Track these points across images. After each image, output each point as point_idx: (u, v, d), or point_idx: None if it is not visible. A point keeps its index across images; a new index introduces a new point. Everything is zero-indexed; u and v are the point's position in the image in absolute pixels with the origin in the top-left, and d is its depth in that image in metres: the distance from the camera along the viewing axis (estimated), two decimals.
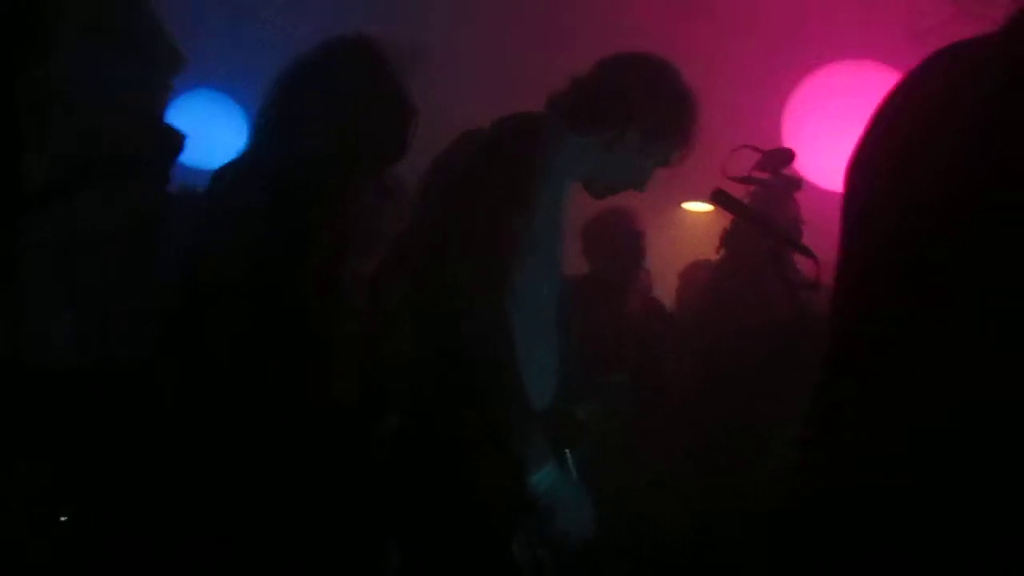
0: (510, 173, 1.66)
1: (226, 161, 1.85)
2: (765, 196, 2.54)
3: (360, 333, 1.88)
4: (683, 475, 1.95)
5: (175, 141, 1.81)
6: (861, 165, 1.17)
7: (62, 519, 1.59)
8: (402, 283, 1.90)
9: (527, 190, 1.64)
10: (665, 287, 3.41)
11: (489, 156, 1.71)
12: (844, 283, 1.15)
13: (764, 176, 2.57)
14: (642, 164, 1.88)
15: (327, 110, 1.76)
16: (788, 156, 2.58)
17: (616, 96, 1.83)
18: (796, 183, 2.59)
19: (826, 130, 3.45)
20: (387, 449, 1.76)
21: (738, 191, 2.58)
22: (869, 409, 0.99)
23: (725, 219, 2.72)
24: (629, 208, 2.81)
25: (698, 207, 4.34)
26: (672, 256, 3.60)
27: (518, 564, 1.62)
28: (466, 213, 1.67)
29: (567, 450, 1.71)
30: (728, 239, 2.58)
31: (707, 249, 3.02)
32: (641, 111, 1.83)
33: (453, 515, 1.65)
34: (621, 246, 2.74)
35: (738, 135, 2.79)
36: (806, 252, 2.06)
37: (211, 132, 3.03)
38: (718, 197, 2.17)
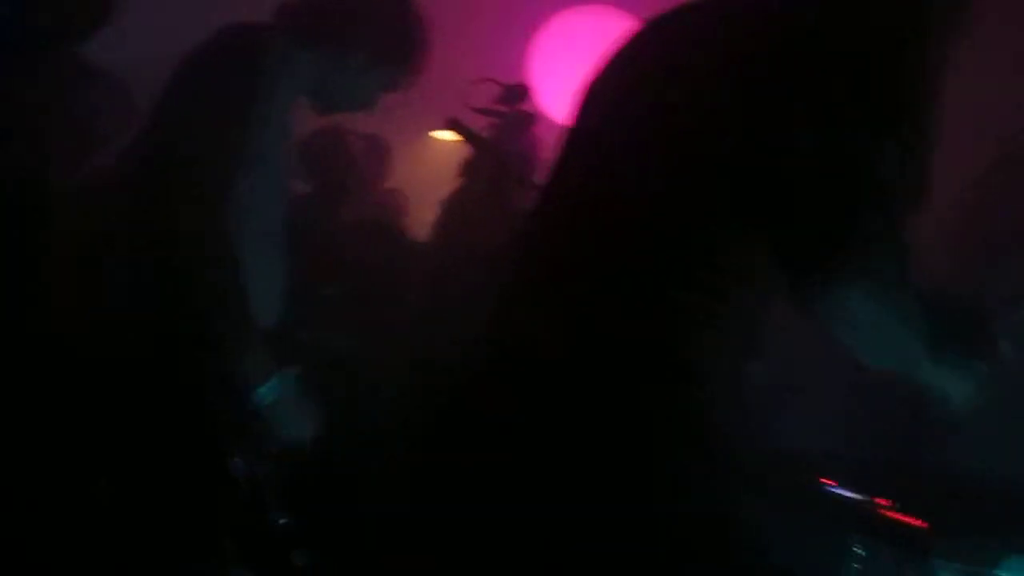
0: (232, 82, 1.65)
1: None
2: (503, 128, 2.64)
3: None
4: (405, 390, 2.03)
5: None
6: (586, 101, 1.27)
7: None
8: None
9: (250, 100, 1.64)
10: (419, 213, 3.46)
11: (210, 64, 1.68)
12: (545, 208, 1.26)
13: (502, 109, 2.68)
14: (368, 84, 1.89)
15: None
16: (525, 90, 2.70)
17: (344, 13, 1.83)
18: (532, 117, 2.71)
19: (567, 69, 3.62)
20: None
21: (481, 122, 2.68)
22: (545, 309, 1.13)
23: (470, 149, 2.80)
24: (343, 125, 2.80)
25: (447, 136, 4.41)
26: (424, 183, 3.65)
27: (236, 477, 1.64)
28: (188, 119, 1.64)
29: (290, 367, 1.73)
30: (465, 168, 2.66)
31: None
32: (368, 30, 1.84)
33: (173, 430, 1.64)
34: (335, 162, 2.73)
35: (487, 69, 2.87)
36: (527, 183, 2.18)
37: None
38: (453, 125, 2.24)
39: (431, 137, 4.49)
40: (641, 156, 1.12)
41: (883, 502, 1.55)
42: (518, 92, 2.69)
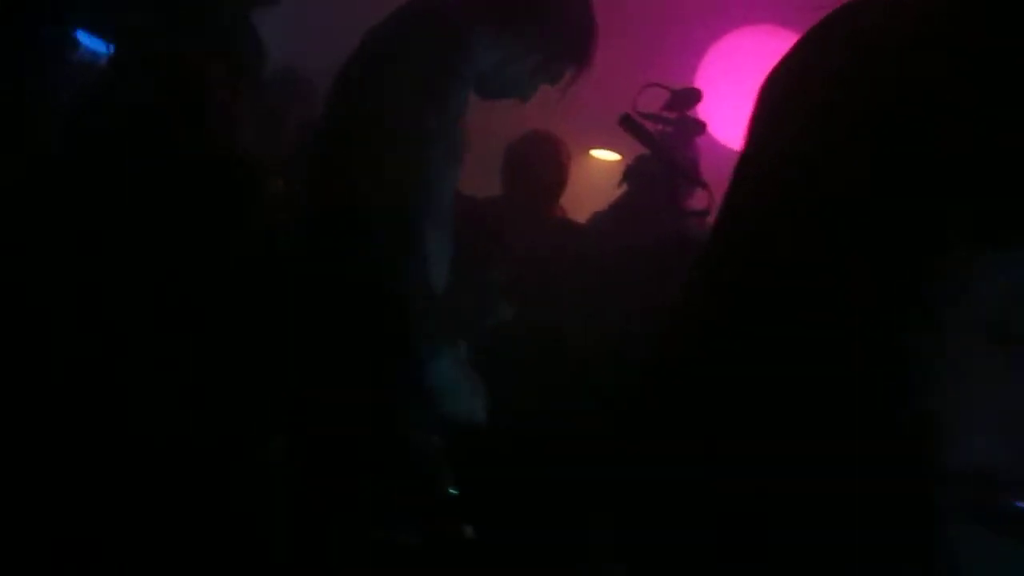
0: (431, 55, 1.69)
1: None
2: (670, 135, 2.62)
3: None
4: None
5: None
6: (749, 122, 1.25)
7: None
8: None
9: (447, 72, 1.68)
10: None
11: (410, 38, 1.73)
12: (719, 226, 1.22)
13: (671, 115, 2.66)
14: (535, 75, 1.92)
15: None
16: (695, 96, 2.67)
17: (530, 5, 1.87)
18: (700, 126, 2.68)
19: (733, 90, 3.56)
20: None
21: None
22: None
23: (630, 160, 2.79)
24: (556, 135, 2.83)
25: (607, 155, 4.42)
26: (580, 200, 3.66)
27: (410, 448, 1.67)
28: (381, 96, 1.69)
29: (459, 341, 1.75)
30: (629, 173, 2.65)
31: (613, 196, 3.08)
32: (548, 25, 1.87)
33: (347, 400, 1.68)
34: (542, 170, 2.76)
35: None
36: (700, 183, 2.16)
37: None
38: (626, 122, 2.24)
39: (594, 157, 4.52)
40: (839, 153, 1.08)
41: None
42: (687, 98, 2.67)
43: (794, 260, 1.03)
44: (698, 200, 2.20)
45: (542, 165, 2.75)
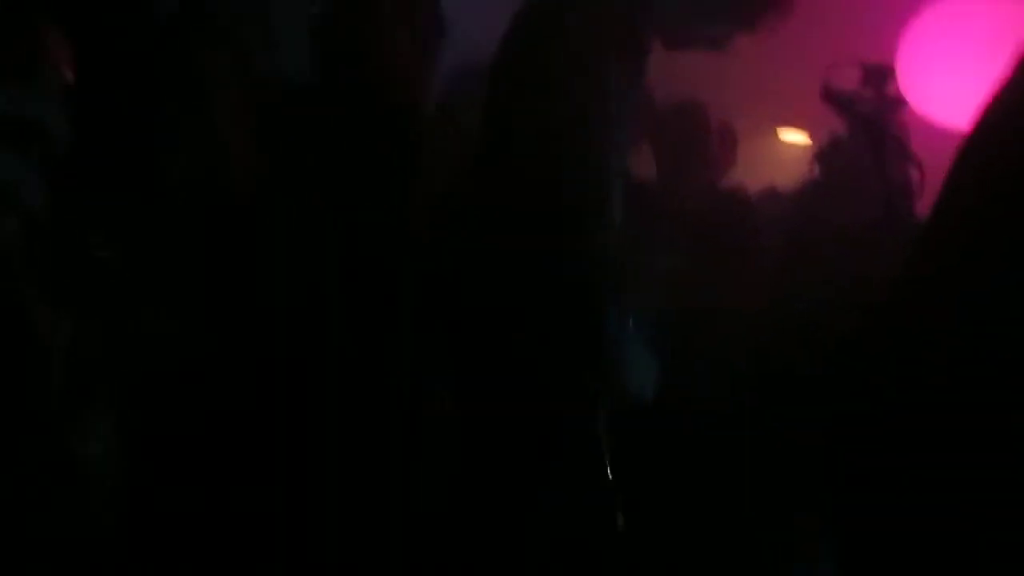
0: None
1: None
2: (872, 111, 2.45)
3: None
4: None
5: None
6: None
7: None
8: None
9: (633, 23, 1.63)
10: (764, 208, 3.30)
11: None
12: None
13: (868, 93, 2.48)
14: (724, 20, 1.82)
15: None
16: (892, 72, 2.49)
17: None
18: (901, 102, 2.50)
19: (942, 63, 3.29)
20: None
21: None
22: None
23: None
24: (706, 102, 2.70)
25: (794, 137, 4.20)
26: (763, 180, 3.50)
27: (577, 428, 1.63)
28: (565, 51, 1.65)
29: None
30: (822, 155, 2.50)
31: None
32: None
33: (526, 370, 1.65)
34: (688, 137, 2.63)
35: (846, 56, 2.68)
36: (912, 159, 2.01)
37: None
38: (830, 94, 2.10)
39: (779, 139, 4.31)
40: None
41: None
42: (882, 74, 2.49)
43: None
44: (907, 177, 2.05)
45: (688, 136, 2.63)
